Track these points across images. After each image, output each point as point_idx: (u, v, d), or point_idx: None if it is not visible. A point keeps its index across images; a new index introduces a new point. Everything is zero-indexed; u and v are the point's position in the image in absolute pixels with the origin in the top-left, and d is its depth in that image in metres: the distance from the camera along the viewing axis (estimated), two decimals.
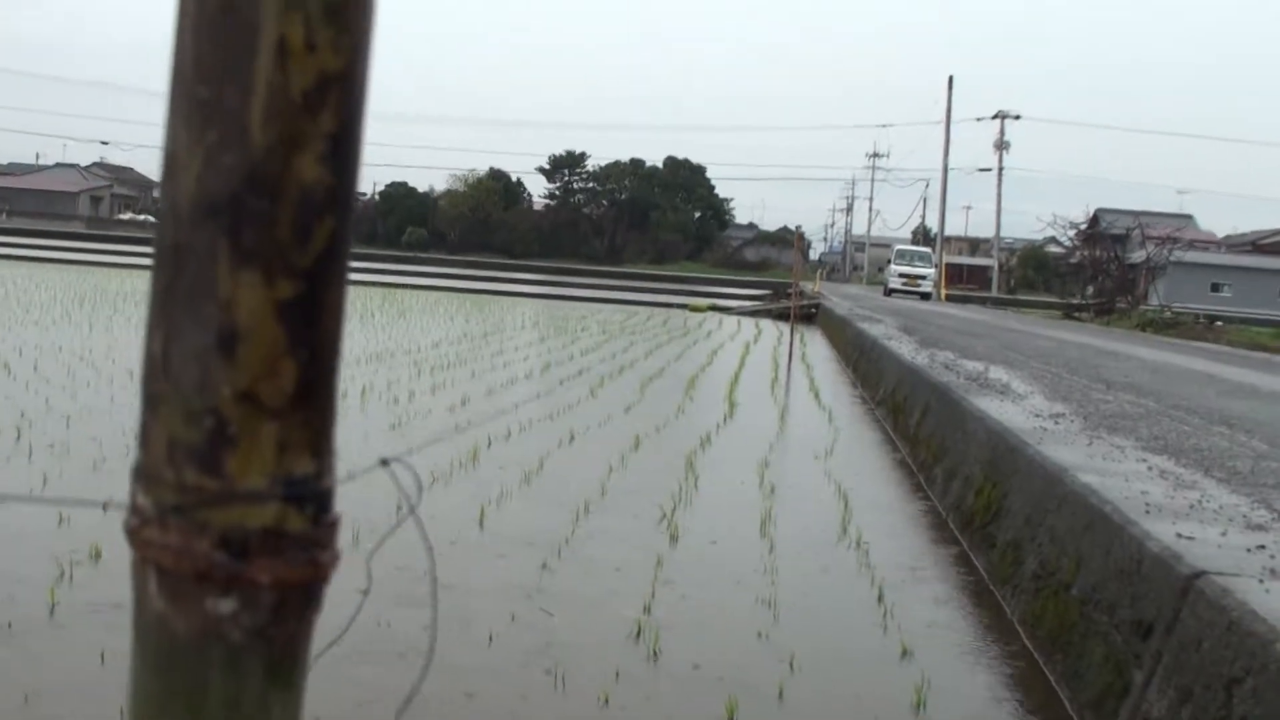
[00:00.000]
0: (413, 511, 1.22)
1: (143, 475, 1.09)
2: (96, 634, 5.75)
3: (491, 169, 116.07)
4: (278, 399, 1.04)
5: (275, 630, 1.07)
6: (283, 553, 1.06)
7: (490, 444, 11.66)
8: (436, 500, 9.10)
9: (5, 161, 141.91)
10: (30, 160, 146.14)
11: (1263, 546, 5.48)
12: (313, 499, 1.08)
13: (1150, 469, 7.61)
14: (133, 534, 1.09)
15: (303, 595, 1.09)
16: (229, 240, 1.03)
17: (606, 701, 5.45)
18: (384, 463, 1.22)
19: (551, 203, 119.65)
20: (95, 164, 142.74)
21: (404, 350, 21.23)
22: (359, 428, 12.00)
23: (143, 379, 1.09)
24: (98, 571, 6.81)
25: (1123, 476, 7.20)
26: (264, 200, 1.02)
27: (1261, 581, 4.79)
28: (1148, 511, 6.12)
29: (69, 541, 7.18)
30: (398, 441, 11.59)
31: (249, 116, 1.01)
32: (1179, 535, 5.56)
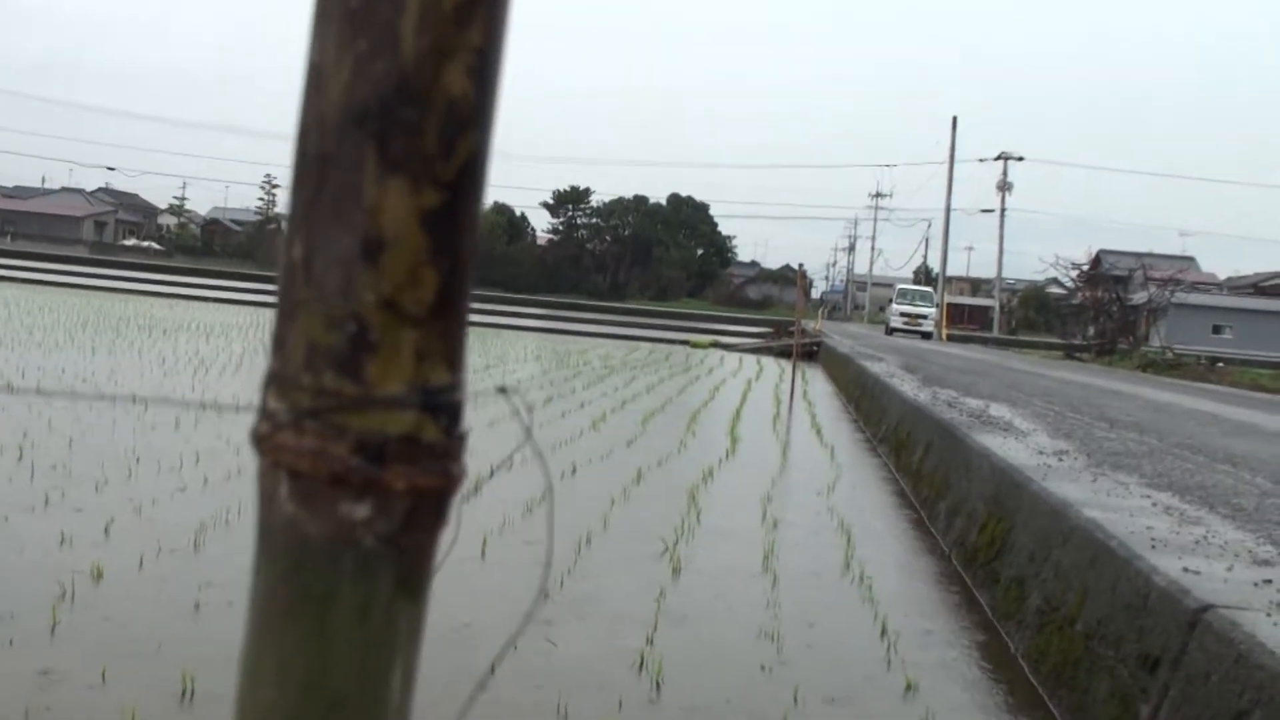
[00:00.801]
0: (529, 435, 1.22)
1: (277, 380, 1.09)
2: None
3: (495, 203, 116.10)
4: (418, 308, 1.05)
5: (406, 539, 1.08)
6: (418, 460, 1.07)
7: (492, 474, 11.64)
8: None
9: (11, 185, 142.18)
10: (36, 184, 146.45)
11: (1269, 581, 5.48)
12: (446, 410, 1.08)
13: (1155, 505, 7.61)
14: (263, 439, 1.09)
15: (434, 505, 1.10)
16: (377, 148, 1.04)
17: None
18: (501, 390, 1.23)
19: (555, 238, 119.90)
20: (101, 189, 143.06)
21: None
22: None
23: (281, 287, 1.10)
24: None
25: (1128, 512, 7.20)
26: (413, 109, 1.03)
27: (1269, 615, 4.79)
28: (1153, 546, 6.11)
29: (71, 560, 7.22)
30: None
31: (401, 26, 1.02)
32: (1185, 569, 5.56)
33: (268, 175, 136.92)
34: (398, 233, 1.04)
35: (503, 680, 5.93)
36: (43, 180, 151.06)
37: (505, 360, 29.81)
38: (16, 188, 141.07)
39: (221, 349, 24.79)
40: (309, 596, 1.08)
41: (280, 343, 1.08)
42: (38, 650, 5.83)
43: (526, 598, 7.28)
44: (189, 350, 23.54)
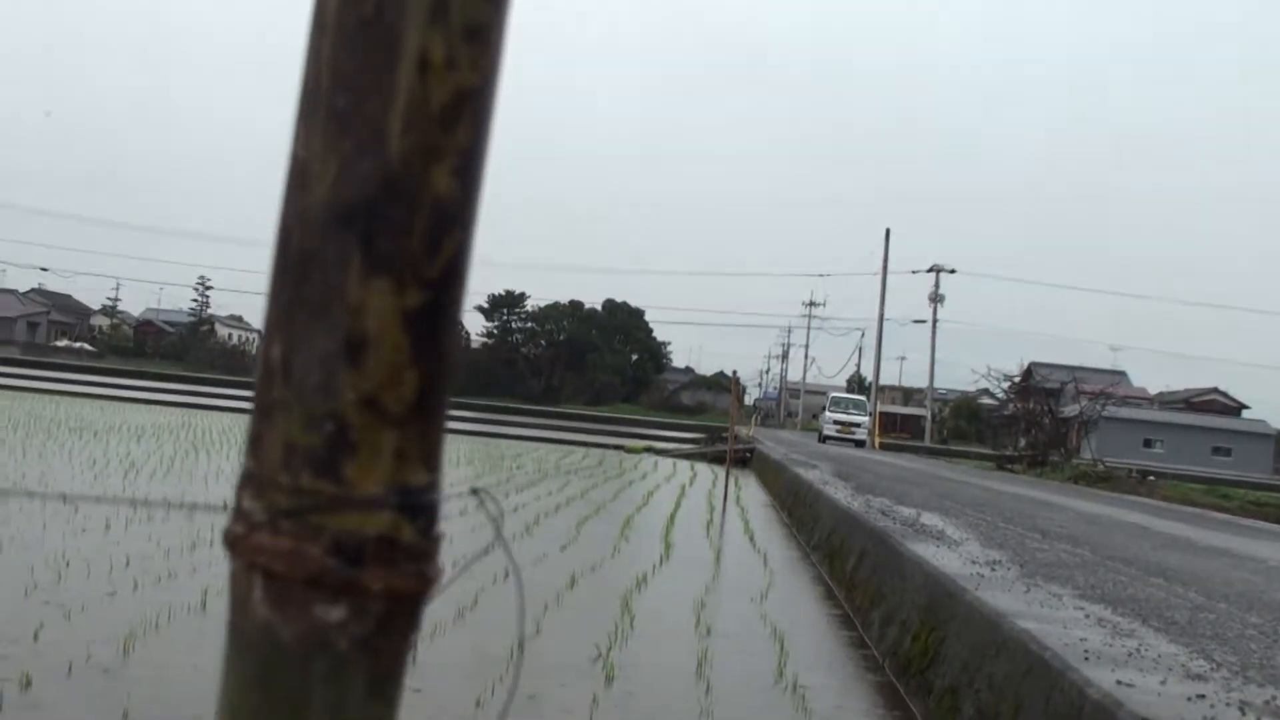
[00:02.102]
0: (499, 534, 1.21)
1: (253, 480, 1.08)
2: None
3: None
4: (399, 407, 1.04)
5: (381, 642, 1.06)
6: (394, 562, 1.06)
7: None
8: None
9: None
10: None
11: (1202, 695, 5.49)
12: (424, 511, 1.07)
13: (1088, 617, 7.64)
14: (237, 541, 1.08)
15: (409, 608, 1.08)
16: (361, 247, 1.04)
17: None
18: (474, 491, 1.22)
19: (489, 341, 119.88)
20: (34, 290, 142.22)
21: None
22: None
23: (258, 386, 1.08)
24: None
25: (1061, 623, 7.22)
26: (399, 209, 1.03)
27: None
28: (1086, 658, 6.12)
29: None
30: None
31: (388, 126, 1.03)
32: (1119, 682, 5.57)
33: (201, 277, 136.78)
34: (381, 332, 1.04)
35: None
36: (2, 272, 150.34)
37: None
38: None
39: (153, 451, 24.58)
40: (281, 701, 1.06)
41: (256, 442, 1.07)
42: None
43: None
44: (120, 452, 23.33)
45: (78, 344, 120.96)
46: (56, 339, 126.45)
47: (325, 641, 1.05)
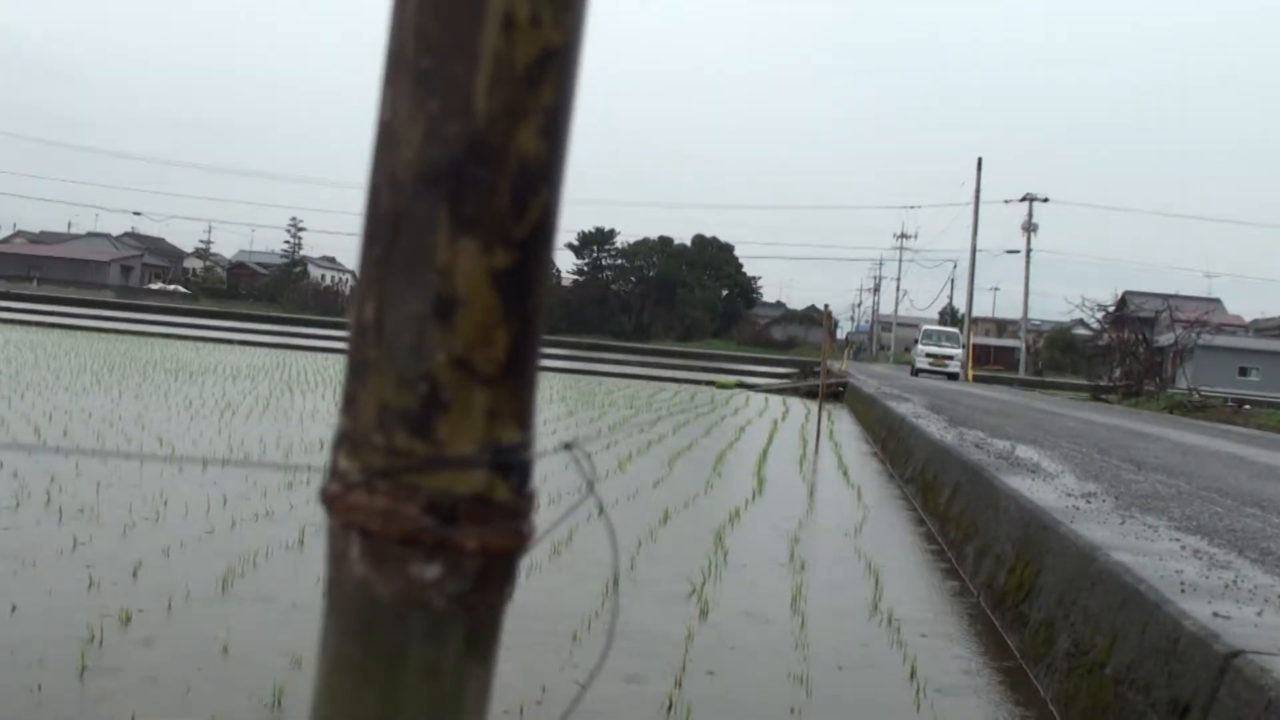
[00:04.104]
0: (593, 489, 1.21)
1: (348, 440, 1.09)
2: None
3: None
4: (490, 367, 1.05)
5: (476, 599, 1.08)
6: (488, 521, 1.07)
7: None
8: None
9: (37, 230, 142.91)
10: (62, 229, 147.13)
11: None
12: (517, 469, 1.09)
13: (1184, 548, 7.57)
14: (334, 499, 1.09)
15: (504, 565, 1.10)
16: (449, 208, 1.04)
17: None
18: (566, 446, 1.23)
19: (580, 279, 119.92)
20: (126, 234, 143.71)
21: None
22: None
23: (351, 346, 1.10)
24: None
25: (1157, 555, 7.17)
26: (485, 169, 1.03)
27: None
28: (1183, 590, 6.08)
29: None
30: None
31: (473, 86, 1.03)
32: (1215, 614, 5.53)
33: (293, 219, 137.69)
34: (470, 292, 1.04)
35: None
36: (69, 225, 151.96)
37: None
38: (43, 233, 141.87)
39: (248, 391, 24.85)
40: (378, 657, 1.08)
41: (351, 401, 1.09)
42: (65, 695, 5.84)
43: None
44: (215, 393, 23.59)
45: (171, 286, 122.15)
46: (150, 282, 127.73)
47: (421, 599, 1.07)
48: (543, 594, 8.50)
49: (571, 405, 29.95)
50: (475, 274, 1.04)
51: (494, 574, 1.09)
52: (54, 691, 5.85)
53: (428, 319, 1.05)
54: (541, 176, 1.06)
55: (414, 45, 1.05)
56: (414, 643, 1.07)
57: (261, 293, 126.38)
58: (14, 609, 7.15)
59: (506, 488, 1.09)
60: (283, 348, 51.04)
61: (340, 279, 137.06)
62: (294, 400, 23.72)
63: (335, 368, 36.75)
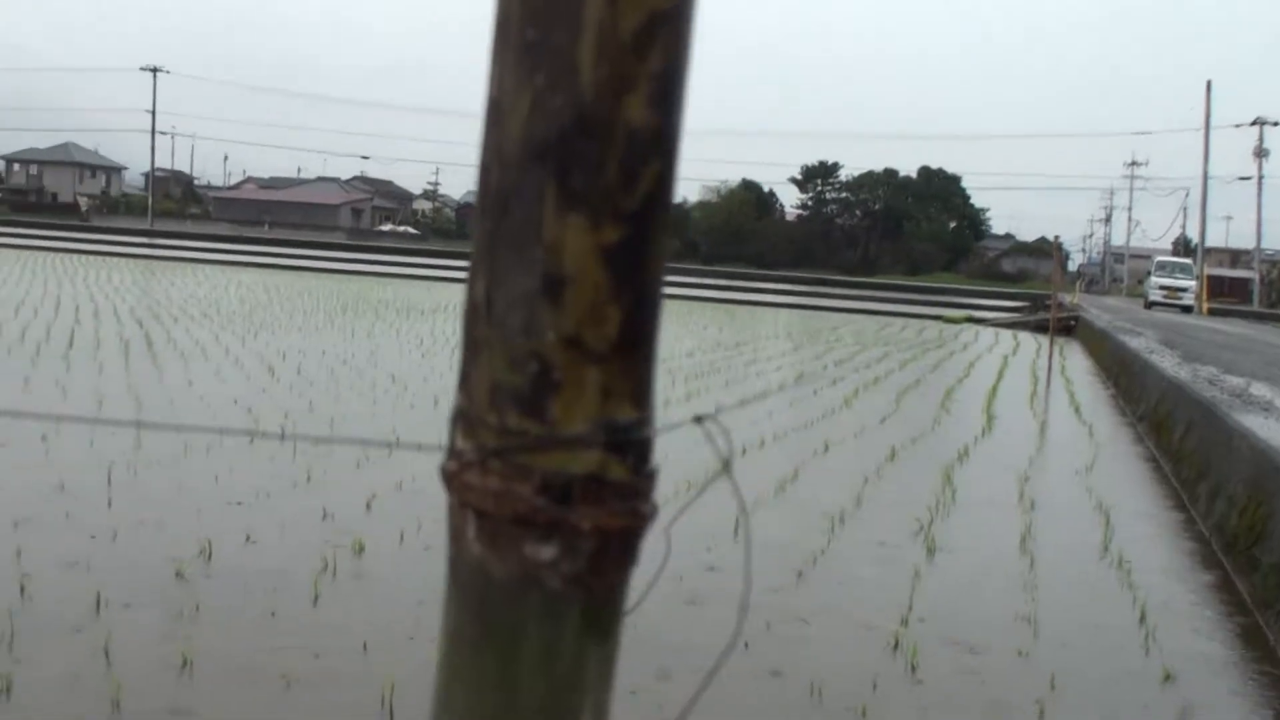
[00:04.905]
0: (728, 468, 1.19)
1: (463, 419, 1.09)
2: None
3: (744, 180, 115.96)
4: (602, 345, 1.03)
5: (594, 579, 1.07)
6: (603, 500, 1.05)
7: (744, 452, 11.67)
8: (688, 509, 9.15)
9: (268, 175, 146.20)
10: (293, 174, 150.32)
11: None
12: (633, 448, 1.06)
13: None
14: (451, 478, 1.09)
15: (622, 545, 1.08)
16: (556, 183, 1.02)
17: (864, 714, 5.39)
18: (698, 420, 1.21)
19: (804, 213, 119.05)
20: (356, 178, 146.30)
21: (659, 358, 21.35)
22: None
23: (464, 324, 1.09)
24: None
25: None
26: (592, 142, 1.01)
27: None
28: None
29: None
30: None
31: (578, 57, 1.01)
32: None
33: None
34: (579, 269, 1.02)
35: (754, 657, 5.93)
36: (299, 170, 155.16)
37: (757, 338, 29.81)
38: (273, 178, 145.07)
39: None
40: (496, 635, 1.07)
41: (465, 380, 1.08)
42: (300, 621, 6.01)
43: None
44: (445, 331, 23.99)
45: (401, 228, 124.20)
46: (380, 224, 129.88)
47: (537, 579, 1.06)
48: (767, 528, 8.54)
49: (796, 341, 29.88)
50: (584, 250, 1.02)
51: (611, 554, 1.07)
52: (288, 618, 6.04)
53: (537, 297, 1.03)
54: (652, 147, 1.03)
55: (519, 16, 1.02)
56: (530, 622, 1.06)
57: None
58: (248, 539, 7.39)
59: (622, 467, 1.06)
60: None
61: None
62: None
63: None
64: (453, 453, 1.09)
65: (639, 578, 1.10)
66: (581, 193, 1.02)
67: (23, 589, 6.26)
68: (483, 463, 1.06)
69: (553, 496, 1.04)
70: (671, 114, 1.04)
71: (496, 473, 1.05)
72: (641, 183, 1.03)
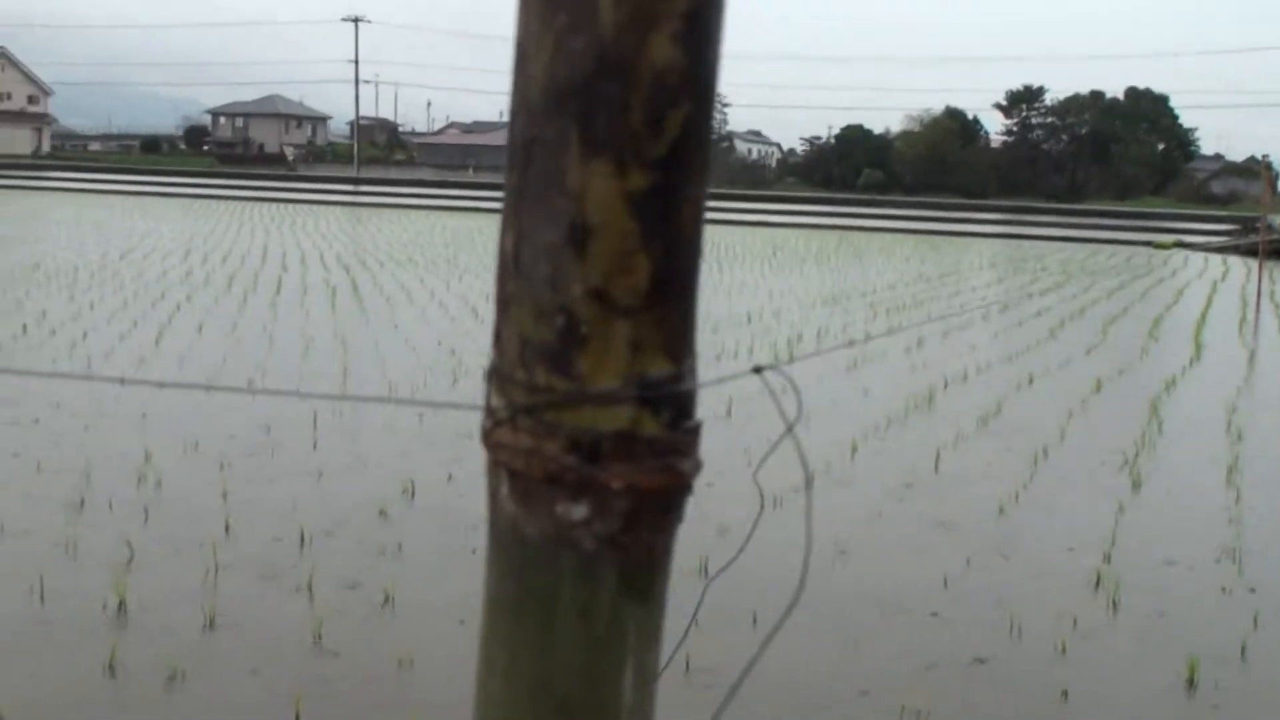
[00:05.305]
0: (791, 430, 1.14)
1: (495, 376, 1.06)
2: None
3: (947, 108, 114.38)
4: (631, 297, 0.99)
5: (629, 539, 1.03)
6: (636, 458, 1.01)
7: (947, 385, 11.56)
8: (889, 441, 9.10)
9: (469, 120, 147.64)
10: (495, 118, 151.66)
11: None
12: (670, 402, 1.02)
13: None
14: (485, 435, 1.06)
15: (660, 504, 1.04)
16: (579, 129, 0.98)
17: (1063, 651, 5.30)
18: (757, 370, 1.16)
19: (1009, 140, 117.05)
20: None
21: (859, 293, 21.24)
22: (812, 370, 12.09)
23: (497, 278, 1.06)
24: None
25: None
26: (614, 85, 0.97)
27: None
28: None
29: None
30: (854, 383, 11.60)
31: None
32: None
33: (718, 94, 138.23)
34: (604, 218, 0.98)
35: (956, 593, 5.88)
36: (500, 114, 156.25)
37: (959, 269, 29.44)
38: (475, 123, 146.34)
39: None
40: (532, 596, 1.04)
41: (497, 336, 1.05)
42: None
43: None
44: None
45: None
46: None
47: (570, 539, 1.02)
48: (969, 463, 8.48)
49: (1001, 272, 29.44)
50: (609, 198, 0.98)
51: (648, 513, 1.03)
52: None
53: (562, 248, 0.99)
54: (680, 89, 0.98)
55: None
56: (565, 583, 1.03)
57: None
58: (450, 478, 7.51)
59: (656, 423, 1.02)
60: (711, 223, 51.31)
61: (766, 152, 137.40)
62: (722, 275, 24.00)
63: (763, 242, 37.01)
64: (488, 411, 1.06)
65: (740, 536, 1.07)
66: (605, 138, 0.98)
67: (228, 527, 6.47)
68: (513, 420, 1.03)
69: (582, 454, 1.01)
70: (703, 54, 0.99)
71: (526, 430, 1.02)
72: (669, 127, 0.98)
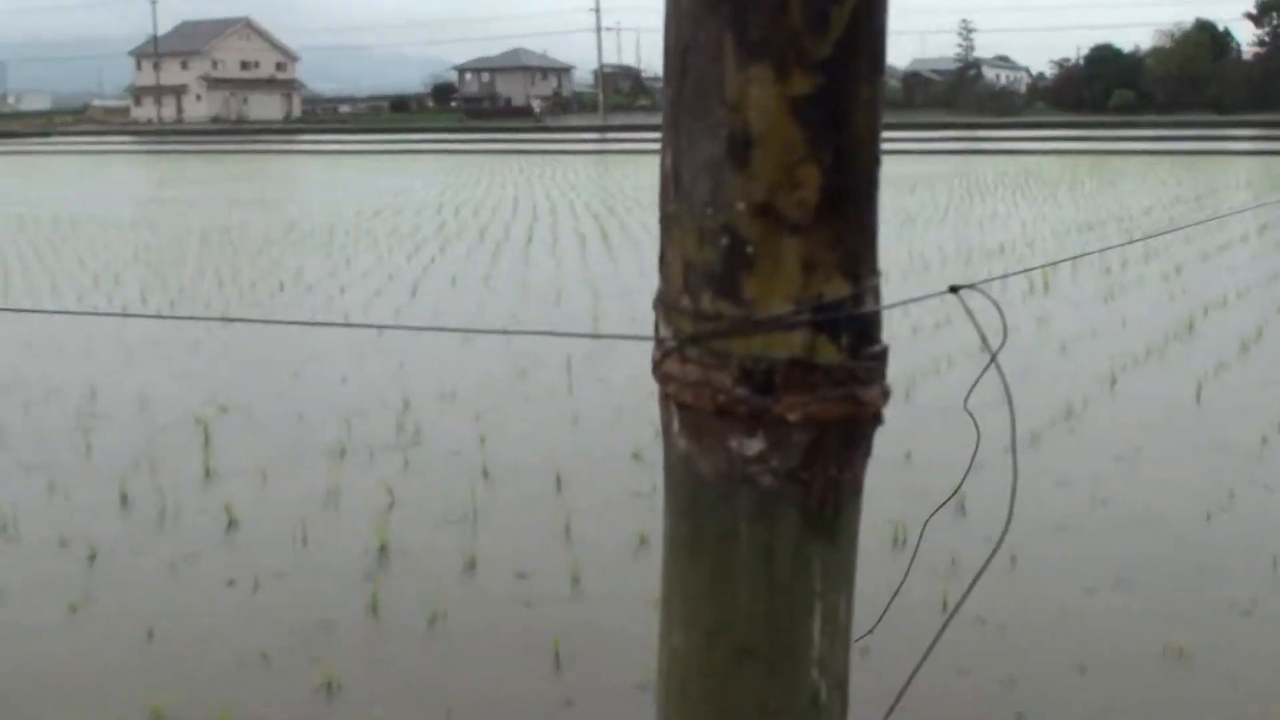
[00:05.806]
0: (993, 359, 1.03)
1: (662, 303, 1.00)
2: None
3: (1197, 20, 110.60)
4: (799, 212, 0.91)
5: (811, 475, 0.95)
6: (814, 387, 0.93)
7: (1207, 312, 11.21)
8: (1150, 373, 8.84)
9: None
10: None
11: None
12: (849, 326, 0.94)
13: None
14: (655, 367, 1.00)
15: (843, 436, 0.96)
16: (734, 32, 0.90)
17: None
18: (953, 289, 1.07)
19: (1261, 51, 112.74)
20: None
21: (1114, 218, 20.69)
22: (1060, 298, 11.86)
23: (660, 201, 0.99)
24: None
25: None
26: None
27: None
28: None
29: None
30: (1105, 313, 11.32)
31: None
32: None
33: (963, 21, 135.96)
34: (766, 127, 0.90)
35: (1064, 545, 5.63)
36: None
37: (1215, 190, 28.44)
38: None
39: (926, 201, 24.89)
40: (708, 536, 0.98)
41: (662, 261, 0.98)
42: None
43: None
44: (893, 205, 23.70)
45: None
46: None
47: (745, 476, 0.95)
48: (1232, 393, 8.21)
49: (1257, 191, 28.38)
50: (770, 104, 0.89)
51: (831, 446, 0.95)
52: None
53: (722, 162, 0.91)
54: None
55: None
56: (742, 522, 0.96)
57: (936, 99, 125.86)
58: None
59: (834, 348, 0.93)
60: (960, 154, 50.56)
61: (1015, 78, 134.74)
62: (973, 206, 23.61)
63: (1014, 171, 36.25)
64: (657, 341, 1.00)
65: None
66: (763, 40, 0.89)
67: (485, 472, 6.63)
68: (680, 350, 0.96)
69: (754, 385, 0.93)
70: None
71: (695, 361, 0.95)
72: (834, 24, 0.89)
